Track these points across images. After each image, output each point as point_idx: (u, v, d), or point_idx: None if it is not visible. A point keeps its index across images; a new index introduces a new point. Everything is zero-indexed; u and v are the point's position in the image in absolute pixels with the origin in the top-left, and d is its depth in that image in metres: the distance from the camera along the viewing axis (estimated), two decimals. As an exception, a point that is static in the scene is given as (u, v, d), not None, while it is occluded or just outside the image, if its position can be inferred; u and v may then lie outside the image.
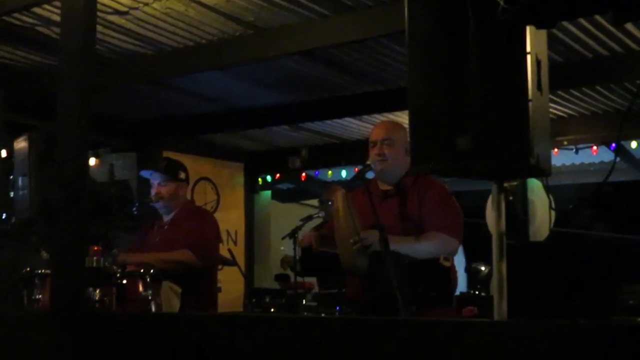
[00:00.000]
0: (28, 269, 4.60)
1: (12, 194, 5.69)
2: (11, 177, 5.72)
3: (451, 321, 3.17)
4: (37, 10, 5.28)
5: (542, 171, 2.97)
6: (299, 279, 6.69)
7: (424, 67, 3.01)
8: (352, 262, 4.08)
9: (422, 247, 4.08)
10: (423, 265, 3.92)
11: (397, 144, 4.34)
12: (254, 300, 7.10)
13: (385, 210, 4.25)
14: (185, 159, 6.75)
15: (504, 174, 3.10)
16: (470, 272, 8.20)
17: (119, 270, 4.49)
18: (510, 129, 2.80)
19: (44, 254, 5.32)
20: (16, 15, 5.42)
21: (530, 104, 2.77)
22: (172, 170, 5.35)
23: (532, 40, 2.80)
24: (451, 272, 4.02)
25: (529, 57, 2.79)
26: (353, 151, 9.49)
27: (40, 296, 4.44)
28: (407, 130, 4.25)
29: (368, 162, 4.35)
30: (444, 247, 4.11)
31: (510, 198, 7.86)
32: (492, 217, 3.09)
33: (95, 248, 4.46)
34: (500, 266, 2.96)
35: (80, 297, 4.08)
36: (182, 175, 5.38)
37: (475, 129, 2.82)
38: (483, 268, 7.99)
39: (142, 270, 4.53)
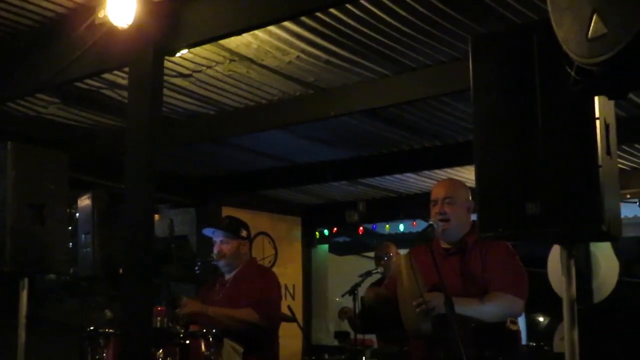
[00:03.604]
0: (92, 327, 4.63)
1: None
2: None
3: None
4: (104, 75, 5.37)
5: (613, 237, 2.92)
6: (359, 336, 6.66)
7: (490, 132, 2.99)
8: (416, 325, 4.00)
9: (487, 309, 4.00)
10: (490, 330, 3.86)
11: (458, 203, 4.29)
12: (313, 357, 7.06)
13: (447, 268, 4.19)
14: (243, 214, 6.79)
15: (573, 240, 3.05)
16: (530, 322, 8.06)
17: (182, 330, 4.51)
18: (580, 194, 2.74)
19: (108, 313, 5.34)
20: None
21: (600, 169, 2.73)
22: (234, 228, 5.36)
23: (601, 104, 2.77)
24: (518, 335, 3.94)
25: (597, 122, 2.74)
26: (411, 205, 9.49)
27: (104, 355, 4.46)
28: (468, 188, 4.28)
29: (430, 222, 4.32)
30: (509, 308, 4.03)
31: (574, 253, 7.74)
32: (560, 281, 3.03)
33: (159, 308, 4.51)
34: (572, 334, 2.90)
35: (148, 357, 4.11)
36: (244, 233, 5.39)
37: (545, 194, 2.79)
38: (542, 319, 7.84)
39: (204, 330, 4.54)
